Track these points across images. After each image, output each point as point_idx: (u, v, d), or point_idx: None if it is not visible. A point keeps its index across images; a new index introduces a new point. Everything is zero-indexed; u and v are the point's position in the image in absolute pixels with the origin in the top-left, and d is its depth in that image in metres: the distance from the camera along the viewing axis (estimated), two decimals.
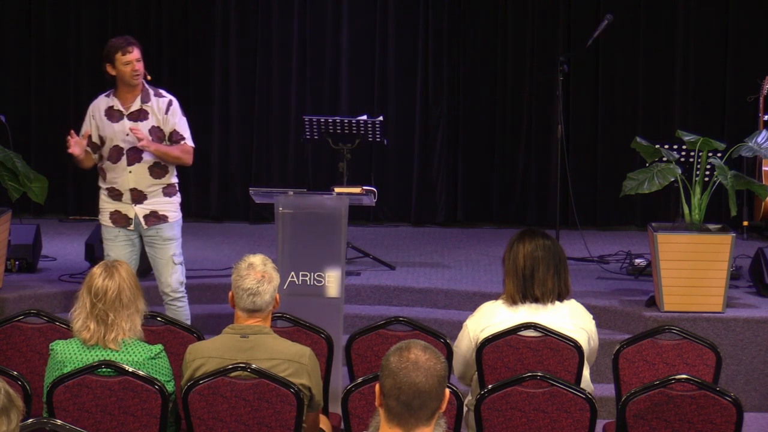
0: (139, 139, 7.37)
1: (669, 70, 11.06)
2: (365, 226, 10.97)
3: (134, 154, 7.49)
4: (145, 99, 7.53)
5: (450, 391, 4.18)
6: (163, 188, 7.57)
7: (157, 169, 7.54)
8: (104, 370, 5.08)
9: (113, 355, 5.14)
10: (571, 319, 5.68)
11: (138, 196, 7.51)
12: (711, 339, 6.17)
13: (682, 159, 8.55)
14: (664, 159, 8.18)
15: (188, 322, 7.53)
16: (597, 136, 11.13)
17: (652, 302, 8.06)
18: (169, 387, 5.17)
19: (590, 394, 5.20)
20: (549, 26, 11.13)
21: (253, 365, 5.04)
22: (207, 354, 5.19)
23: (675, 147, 8.52)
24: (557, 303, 5.68)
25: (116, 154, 7.50)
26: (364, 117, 9.59)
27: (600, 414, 5.38)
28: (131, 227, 7.54)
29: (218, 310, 7.90)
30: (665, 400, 5.19)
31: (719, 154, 8.33)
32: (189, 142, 7.61)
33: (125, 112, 7.50)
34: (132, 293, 5.21)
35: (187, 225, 8.12)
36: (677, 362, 5.86)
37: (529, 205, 11.19)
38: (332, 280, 7.14)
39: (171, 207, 7.62)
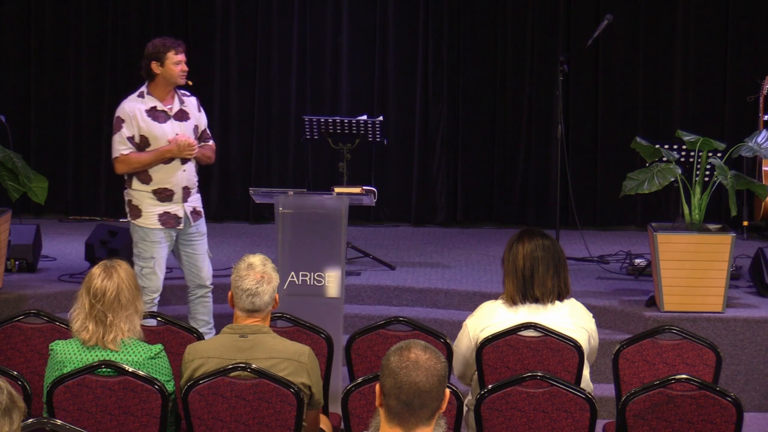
0: (192, 148, 7.48)
1: (669, 70, 11.06)
2: (365, 226, 10.97)
3: None
4: (180, 99, 7.60)
5: (450, 391, 4.18)
6: (198, 184, 7.71)
7: (199, 167, 7.71)
8: (104, 370, 5.08)
9: (113, 354, 5.13)
10: (571, 318, 5.68)
11: (187, 194, 7.59)
12: (711, 339, 6.16)
13: (682, 159, 8.55)
14: (664, 159, 8.18)
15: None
16: (597, 136, 11.13)
17: (652, 302, 8.06)
18: (169, 387, 5.17)
19: (590, 394, 5.20)
20: (549, 26, 11.13)
21: (253, 365, 5.04)
22: (206, 354, 5.19)
23: (675, 147, 8.52)
24: (557, 303, 5.68)
25: None
26: (364, 117, 9.59)
27: (600, 414, 5.38)
28: (180, 226, 7.57)
29: (218, 309, 7.89)
30: (665, 400, 5.19)
31: (719, 154, 8.33)
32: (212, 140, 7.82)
33: (170, 113, 7.53)
34: (131, 294, 5.20)
35: None
36: (677, 362, 5.86)
37: (529, 205, 11.18)
38: (332, 280, 7.13)
39: (201, 203, 7.77)
